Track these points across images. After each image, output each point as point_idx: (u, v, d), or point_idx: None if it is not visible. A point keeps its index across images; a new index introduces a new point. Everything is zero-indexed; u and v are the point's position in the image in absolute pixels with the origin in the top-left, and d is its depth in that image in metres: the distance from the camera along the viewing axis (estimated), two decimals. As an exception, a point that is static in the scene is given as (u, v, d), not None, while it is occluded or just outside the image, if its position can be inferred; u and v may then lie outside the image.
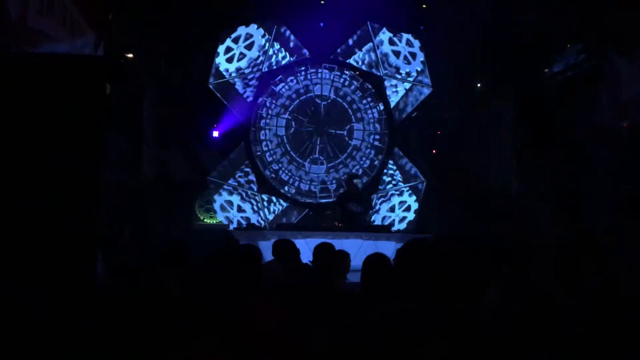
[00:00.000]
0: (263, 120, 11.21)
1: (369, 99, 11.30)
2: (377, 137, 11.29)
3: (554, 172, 9.27)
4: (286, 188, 11.13)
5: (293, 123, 11.23)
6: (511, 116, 10.87)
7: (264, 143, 11.19)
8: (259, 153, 11.12)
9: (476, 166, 10.89)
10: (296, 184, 11.16)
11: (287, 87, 11.22)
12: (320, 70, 11.23)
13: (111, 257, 4.95)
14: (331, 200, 10.77)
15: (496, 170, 11.08)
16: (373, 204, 11.03)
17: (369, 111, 11.30)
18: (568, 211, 8.80)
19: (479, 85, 11.32)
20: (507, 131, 10.93)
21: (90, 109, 2.59)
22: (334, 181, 11.13)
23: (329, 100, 11.25)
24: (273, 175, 11.10)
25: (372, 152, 11.27)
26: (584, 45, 8.46)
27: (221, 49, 10.83)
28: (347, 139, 11.26)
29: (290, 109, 11.25)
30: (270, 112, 11.23)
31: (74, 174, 2.57)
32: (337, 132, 11.24)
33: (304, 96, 11.25)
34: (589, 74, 8.27)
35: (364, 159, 11.26)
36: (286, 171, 11.17)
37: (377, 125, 11.30)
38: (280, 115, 11.24)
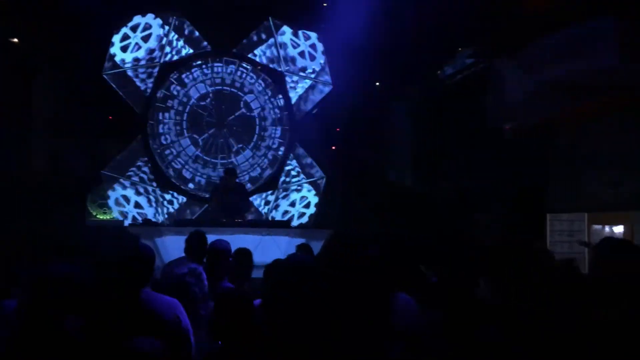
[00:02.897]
0: (161, 114, 10.92)
1: (270, 94, 11.32)
2: (277, 138, 11.34)
3: (447, 170, 9.73)
4: (184, 182, 10.91)
5: (194, 118, 11.03)
6: (408, 115, 11.30)
7: (162, 137, 10.90)
8: (156, 147, 10.82)
9: (375, 163, 11.22)
10: (196, 179, 10.98)
11: (187, 79, 10.99)
12: (220, 64, 11.10)
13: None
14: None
15: (394, 167, 11.49)
16: (274, 198, 11.09)
17: (270, 106, 11.32)
18: (460, 208, 9.29)
19: (378, 84, 11.64)
20: (404, 130, 11.36)
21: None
22: (244, 174, 11.05)
23: (228, 94, 11.15)
24: (171, 170, 10.85)
25: (275, 143, 11.31)
26: (473, 49, 8.92)
27: (116, 38, 10.42)
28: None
29: (190, 103, 11.03)
30: (169, 104, 10.96)
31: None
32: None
33: (204, 90, 11.07)
34: (478, 77, 8.74)
35: (265, 155, 11.27)
36: (187, 166, 10.95)
37: (277, 122, 11.35)
38: (178, 112, 10.99)
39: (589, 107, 6.63)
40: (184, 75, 10.96)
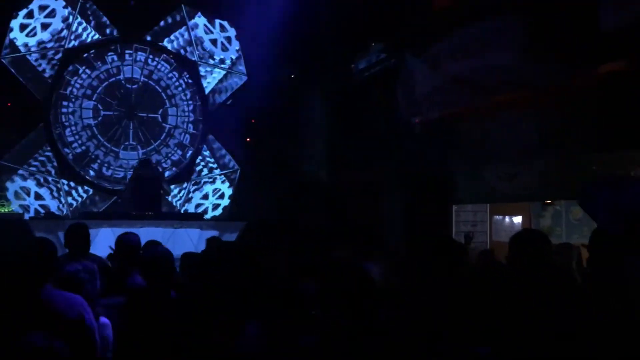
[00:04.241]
0: (66, 101, 10.39)
1: (183, 84, 11.06)
2: (191, 123, 11.12)
3: (358, 162, 9.91)
4: (92, 174, 10.47)
5: (100, 106, 10.58)
6: (323, 108, 11.39)
7: (67, 125, 10.39)
8: (60, 136, 10.30)
9: (290, 155, 11.23)
10: (103, 170, 10.56)
11: (94, 66, 10.52)
12: (131, 51, 10.70)
13: None
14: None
15: (308, 160, 11.55)
16: (187, 190, 10.89)
17: (183, 96, 11.07)
18: (370, 199, 9.50)
19: (292, 76, 11.65)
20: (319, 122, 11.44)
21: None
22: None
23: (140, 84, 10.78)
24: (77, 160, 10.37)
25: (187, 138, 11.08)
26: (385, 44, 9.12)
27: (16, 20, 9.79)
28: (161, 122, 10.91)
29: (98, 91, 10.57)
30: (74, 92, 10.45)
31: None
32: (150, 115, 10.83)
33: (113, 78, 10.64)
34: (390, 71, 8.95)
35: (178, 145, 11.02)
36: (93, 156, 10.51)
37: (190, 112, 11.12)
38: (86, 96, 10.51)
39: (489, 102, 6.97)
40: (90, 62, 10.49)
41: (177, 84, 11.02)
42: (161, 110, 10.93)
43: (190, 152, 11.03)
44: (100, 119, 10.57)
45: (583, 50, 5.50)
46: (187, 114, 11.09)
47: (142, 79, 10.78)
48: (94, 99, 10.54)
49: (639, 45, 5.09)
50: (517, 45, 6.28)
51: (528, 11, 6.24)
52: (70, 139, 10.40)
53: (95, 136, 10.53)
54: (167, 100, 10.96)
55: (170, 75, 10.96)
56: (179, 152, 11.02)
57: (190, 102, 11.09)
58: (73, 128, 10.44)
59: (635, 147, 5.29)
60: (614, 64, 5.47)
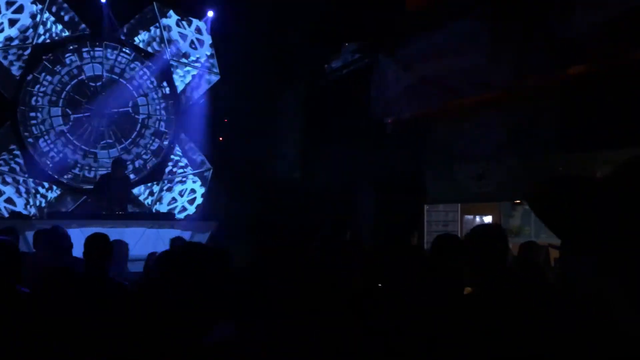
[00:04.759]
0: (34, 99, 10.19)
1: (154, 82, 10.93)
2: (163, 122, 11.00)
3: (333, 163, 9.94)
4: (60, 172, 10.28)
5: (69, 110, 10.38)
6: (297, 108, 11.39)
7: (34, 123, 10.19)
8: (27, 134, 10.10)
9: (263, 154, 11.20)
10: (85, 172, 10.39)
11: (63, 63, 10.34)
12: (101, 49, 10.54)
13: None
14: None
15: (282, 159, 11.54)
16: (158, 190, 10.78)
17: (155, 95, 10.94)
18: (343, 198, 9.54)
19: (266, 75, 11.60)
20: (293, 122, 11.43)
21: None
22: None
23: (109, 80, 10.61)
24: (45, 159, 10.17)
25: (162, 125, 10.95)
26: (357, 45, 9.16)
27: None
28: (133, 114, 10.77)
29: (67, 89, 10.38)
30: (42, 90, 10.25)
31: None
32: (121, 109, 10.67)
33: (82, 76, 10.46)
34: (362, 72, 9.00)
35: (149, 144, 10.90)
36: (72, 162, 10.32)
37: (162, 111, 11.00)
38: (52, 103, 10.29)
39: (459, 103, 7.07)
40: (58, 59, 10.29)
41: (140, 73, 10.85)
42: (131, 102, 10.78)
43: (162, 151, 10.92)
44: (70, 122, 10.38)
45: (549, 53, 5.61)
46: (157, 101, 10.95)
47: (105, 74, 10.60)
48: (60, 104, 10.34)
49: (605, 48, 5.21)
50: (485, 46, 6.37)
51: (496, 12, 6.33)
52: (42, 143, 10.21)
53: (70, 141, 10.34)
54: (134, 92, 10.79)
55: (133, 65, 10.79)
56: (157, 141, 10.90)
57: (162, 101, 10.98)
58: (46, 137, 10.24)
59: (602, 147, 5.42)
60: (580, 67, 5.59)
